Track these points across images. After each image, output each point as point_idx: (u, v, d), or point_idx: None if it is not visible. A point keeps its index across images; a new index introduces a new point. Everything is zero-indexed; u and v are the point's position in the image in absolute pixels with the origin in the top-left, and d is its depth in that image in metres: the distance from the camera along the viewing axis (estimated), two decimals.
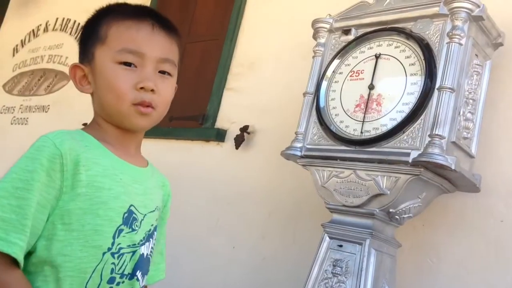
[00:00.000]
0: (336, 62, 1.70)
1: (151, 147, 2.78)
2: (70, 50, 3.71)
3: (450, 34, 1.45)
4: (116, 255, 0.96)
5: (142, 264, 1.02)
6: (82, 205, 0.93)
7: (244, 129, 2.35)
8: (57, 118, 3.59)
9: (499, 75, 1.67)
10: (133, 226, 0.99)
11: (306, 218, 2.01)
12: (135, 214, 1.00)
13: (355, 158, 1.53)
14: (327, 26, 1.76)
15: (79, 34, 1.11)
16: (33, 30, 4.32)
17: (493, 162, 1.64)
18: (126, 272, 0.98)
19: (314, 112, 1.70)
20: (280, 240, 2.10)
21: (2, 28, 4.74)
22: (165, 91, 1.06)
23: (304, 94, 1.75)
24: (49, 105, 3.76)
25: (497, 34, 1.60)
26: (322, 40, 1.78)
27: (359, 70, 1.63)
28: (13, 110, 4.12)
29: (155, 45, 1.04)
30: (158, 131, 2.83)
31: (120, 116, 1.03)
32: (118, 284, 0.97)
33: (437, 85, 1.44)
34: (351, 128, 1.57)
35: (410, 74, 1.50)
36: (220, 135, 2.49)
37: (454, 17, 1.46)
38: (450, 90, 1.42)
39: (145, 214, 1.03)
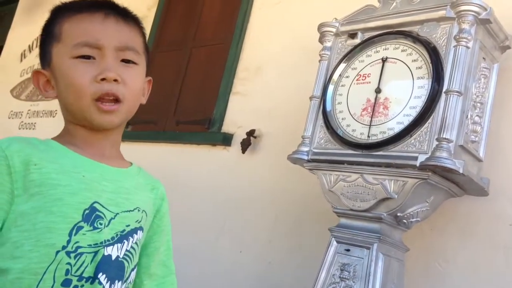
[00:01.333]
0: (342, 66, 1.70)
1: (157, 152, 2.79)
2: None
3: (457, 37, 1.45)
4: (72, 255, 0.88)
5: (107, 267, 0.92)
6: (35, 204, 0.87)
7: (251, 133, 2.35)
8: None
9: (507, 78, 1.66)
10: (96, 224, 0.92)
11: (313, 223, 2.00)
12: (101, 211, 0.93)
13: (362, 162, 1.53)
14: (333, 30, 1.76)
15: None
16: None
17: (502, 165, 1.63)
18: (86, 275, 0.89)
19: (320, 116, 1.69)
20: (286, 244, 2.09)
21: (9, 34, 4.77)
22: (131, 81, 0.98)
23: (311, 98, 1.75)
24: (56, 110, 3.77)
25: (504, 37, 1.60)
26: (328, 44, 1.78)
27: (365, 74, 1.63)
28: (21, 115, 4.14)
29: (110, 33, 0.98)
30: (164, 135, 2.84)
31: (82, 113, 0.96)
32: (75, 287, 0.88)
33: (444, 89, 1.43)
34: (358, 132, 1.57)
35: (417, 78, 1.50)
36: (226, 139, 2.49)
37: (461, 20, 1.45)
38: (457, 94, 1.42)
39: (117, 213, 0.96)
